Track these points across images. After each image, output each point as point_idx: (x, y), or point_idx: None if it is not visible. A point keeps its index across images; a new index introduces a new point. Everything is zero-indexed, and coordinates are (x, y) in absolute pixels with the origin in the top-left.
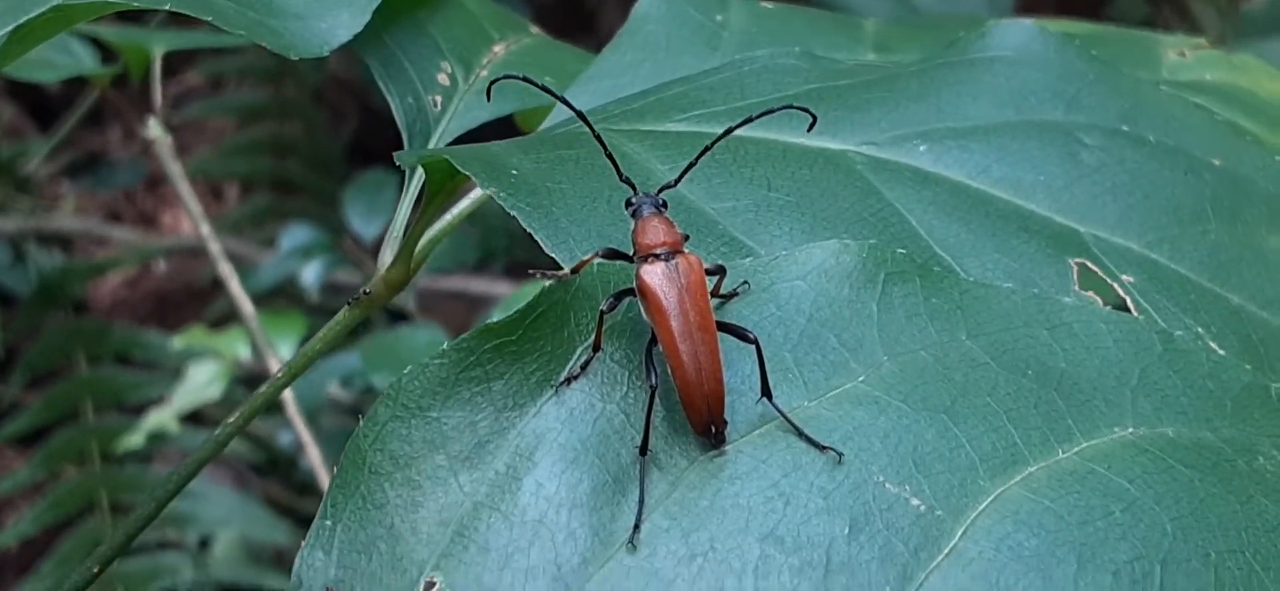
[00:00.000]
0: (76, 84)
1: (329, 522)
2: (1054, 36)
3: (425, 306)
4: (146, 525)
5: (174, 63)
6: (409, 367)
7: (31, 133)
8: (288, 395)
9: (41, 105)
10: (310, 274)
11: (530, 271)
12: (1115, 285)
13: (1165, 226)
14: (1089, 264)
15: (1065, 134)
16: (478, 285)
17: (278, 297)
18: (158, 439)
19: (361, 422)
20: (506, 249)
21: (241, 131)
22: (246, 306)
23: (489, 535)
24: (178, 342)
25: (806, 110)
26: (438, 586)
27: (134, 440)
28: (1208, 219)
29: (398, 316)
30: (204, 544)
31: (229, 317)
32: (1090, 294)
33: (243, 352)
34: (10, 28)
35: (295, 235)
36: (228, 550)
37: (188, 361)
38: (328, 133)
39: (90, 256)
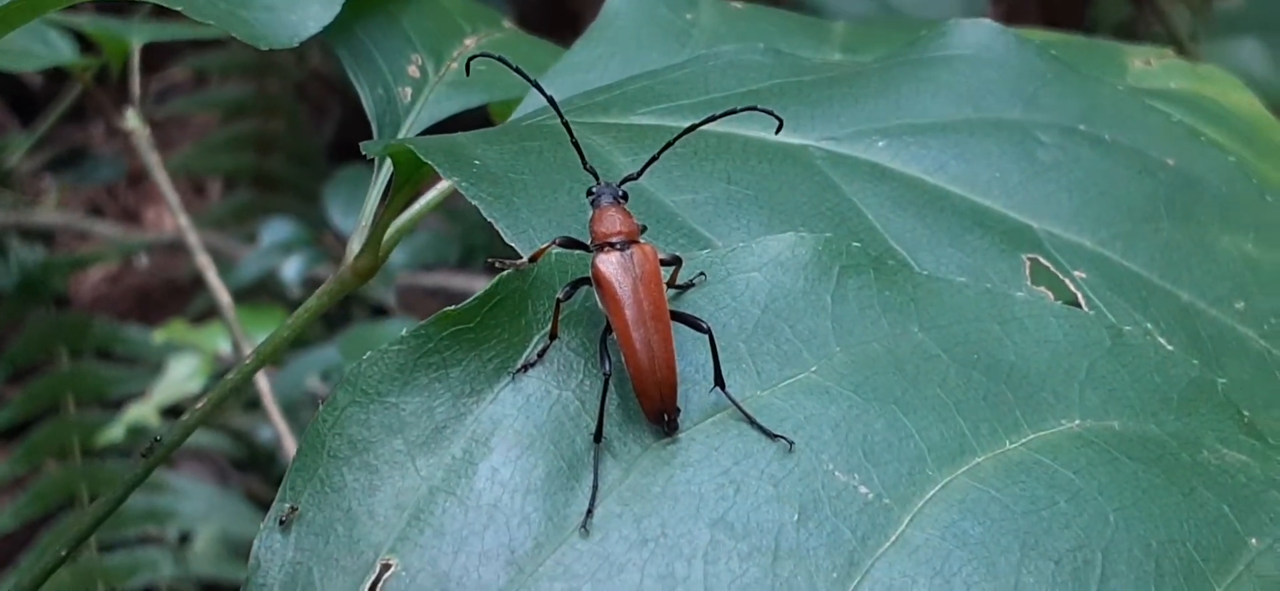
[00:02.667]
0: (59, 79)
1: (287, 505)
2: (1013, 36)
3: (406, 303)
4: (114, 509)
5: (158, 58)
6: (368, 353)
7: (14, 127)
8: (264, 389)
9: (24, 99)
10: (291, 269)
11: (489, 260)
12: (1067, 281)
13: (1118, 224)
14: (1042, 260)
15: (1022, 132)
16: (459, 282)
17: (259, 293)
18: (137, 433)
19: (321, 407)
20: (488, 245)
21: (224, 127)
22: (224, 297)
23: (444, 519)
24: (158, 337)
25: (772, 113)
26: (393, 568)
27: (114, 433)
28: (1160, 217)
29: (379, 311)
30: (184, 539)
31: (211, 313)
32: (1042, 289)
33: (223, 347)
34: None
35: (276, 230)
36: (208, 545)
37: (168, 355)
38: (310, 128)
39: (72, 251)
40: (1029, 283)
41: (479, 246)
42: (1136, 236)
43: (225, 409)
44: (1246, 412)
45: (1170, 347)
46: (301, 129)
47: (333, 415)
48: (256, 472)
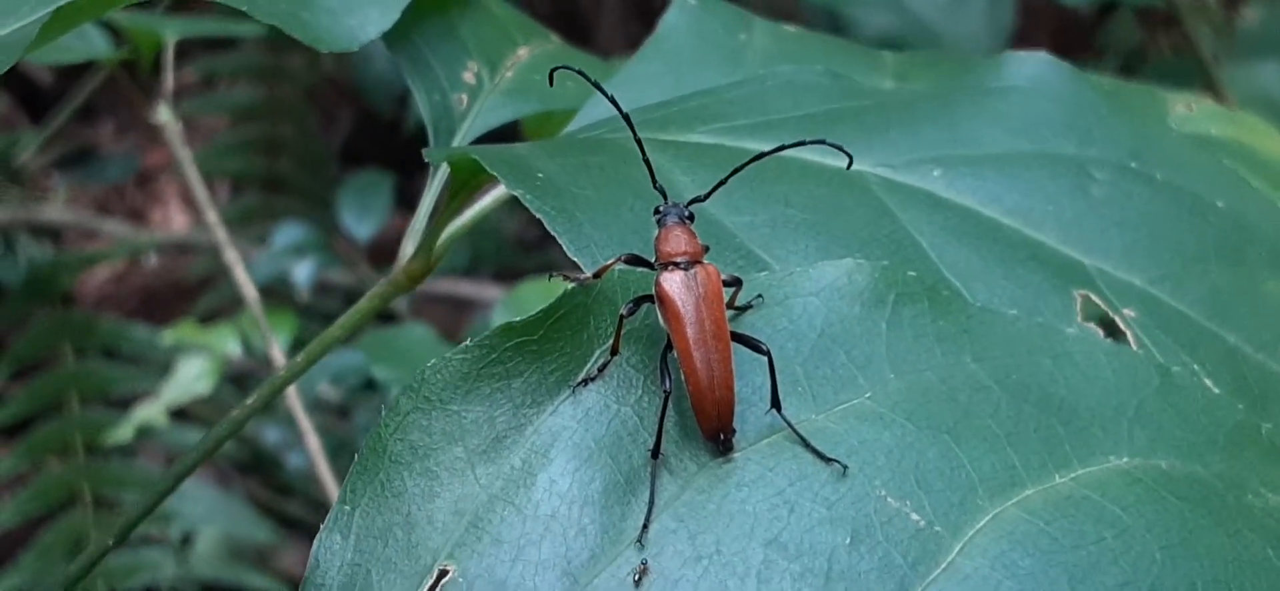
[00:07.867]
0: (70, 75)
1: (348, 507)
2: (1069, 70)
3: (415, 309)
4: (142, 519)
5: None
6: (433, 361)
7: (23, 124)
8: (288, 390)
9: (34, 97)
10: (302, 272)
11: (551, 273)
12: (1117, 318)
13: (1168, 263)
14: (1093, 296)
15: (1076, 167)
16: (467, 289)
17: (268, 297)
18: (146, 433)
19: (383, 413)
20: (495, 253)
21: (234, 130)
22: (250, 292)
23: (502, 527)
24: (168, 337)
25: (841, 148)
26: (451, 574)
27: (123, 433)
28: (1210, 259)
29: (386, 317)
30: (186, 540)
31: (217, 313)
32: (1092, 325)
33: (233, 348)
34: (53, 7)
35: (288, 233)
36: (210, 547)
37: (177, 356)
38: (320, 133)
39: (80, 249)
40: (1080, 318)
41: (486, 254)
42: (1186, 277)
43: (229, 411)
44: None
45: (1217, 390)
46: (311, 133)
47: (395, 420)
48: (258, 476)
